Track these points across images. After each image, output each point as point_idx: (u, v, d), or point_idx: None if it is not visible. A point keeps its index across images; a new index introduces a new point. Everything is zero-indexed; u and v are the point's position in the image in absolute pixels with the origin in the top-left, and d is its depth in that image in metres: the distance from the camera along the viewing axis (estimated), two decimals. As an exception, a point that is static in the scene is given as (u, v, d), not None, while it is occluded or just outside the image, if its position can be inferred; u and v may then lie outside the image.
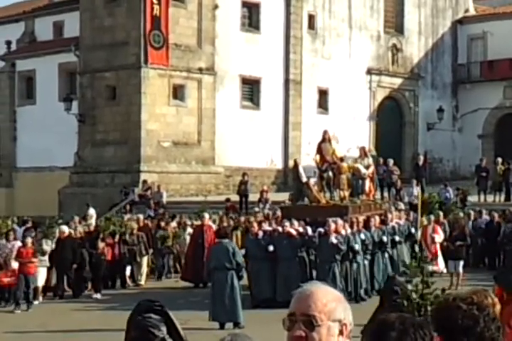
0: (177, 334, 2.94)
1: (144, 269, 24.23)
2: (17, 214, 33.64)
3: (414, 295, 10.60)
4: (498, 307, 3.19)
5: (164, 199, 32.68)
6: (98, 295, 21.59)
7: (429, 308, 10.20)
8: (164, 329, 2.85)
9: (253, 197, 32.02)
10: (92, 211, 30.22)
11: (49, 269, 22.07)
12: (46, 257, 21.75)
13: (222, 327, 16.50)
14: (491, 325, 2.97)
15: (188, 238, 25.12)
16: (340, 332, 2.88)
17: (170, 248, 25.31)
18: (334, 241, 18.91)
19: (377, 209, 23.58)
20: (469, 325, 2.96)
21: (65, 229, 22.72)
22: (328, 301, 2.91)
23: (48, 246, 21.88)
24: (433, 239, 23.54)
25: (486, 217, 26.36)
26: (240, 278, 17.08)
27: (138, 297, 21.14)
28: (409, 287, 10.82)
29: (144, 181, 34.36)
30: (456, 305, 3.03)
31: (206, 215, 24.25)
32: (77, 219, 26.12)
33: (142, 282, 23.97)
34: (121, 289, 23.36)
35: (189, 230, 25.44)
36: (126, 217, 27.69)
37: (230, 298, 16.53)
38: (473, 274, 22.65)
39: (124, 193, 33.77)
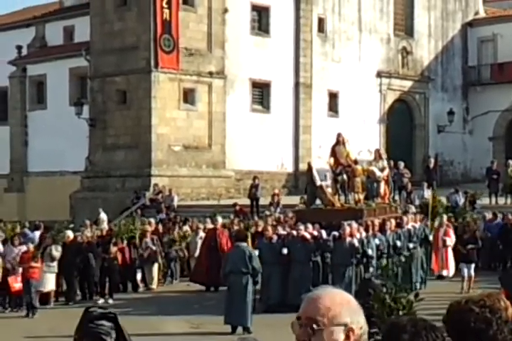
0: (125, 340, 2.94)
1: (155, 273, 24.22)
2: (28, 218, 33.75)
3: (387, 299, 10.49)
4: (510, 310, 3.19)
5: (175, 203, 32.72)
6: (110, 300, 21.56)
7: (400, 312, 10.08)
8: (114, 336, 2.85)
9: (264, 200, 32.03)
10: (103, 215, 30.27)
11: (58, 274, 22.05)
12: (55, 263, 21.66)
13: (234, 331, 16.46)
14: (503, 327, 2.97)
15: (199, 242, 25.12)
16: (347, 337, 2.86)
17: (177, 252, 25.31)
18: (356, 243, 18.93)
19: (392, 212, 23.42)
20: (482, 328, 2.97)
21: (70, 233, 22.69)
22: (333, 305, 2.89)
23: (58, 251, 21.77)
24: (444, 242, 23.51)
25: (499, 220, 26.24)
26: (255, 282, 17.02)
27: (151, 301, 21.23)
28: (384, 290, 10.72)
29: (155, 185, 34.41)
30: (469, 308, 3.03)
31: (219, 219, 24.24)
32: (88, 223, 26.21)
33: (154, 286, 23.93)
34: (133, 293, 23.35)
35: (201, 234, 25.41)
36: (138, 221, 27.68)
37: (241, 302, 16.47)
38: (486, 277, 22.58)
39: (135, 197, 33.82)
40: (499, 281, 9.79)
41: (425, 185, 31.84)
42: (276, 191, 32.70)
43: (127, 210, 33.04)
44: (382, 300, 10.35)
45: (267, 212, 28.65)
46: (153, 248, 24.05)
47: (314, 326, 2.87)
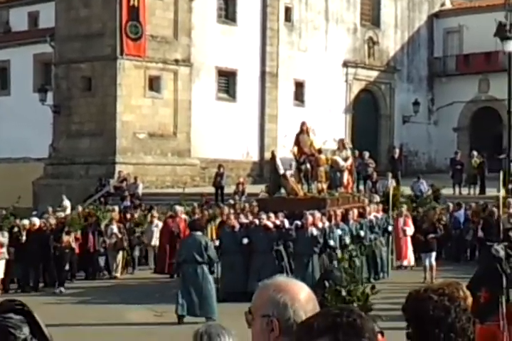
0: (41, 334, 2.85)
1: (120, 261, 24.09)
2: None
3: (343, 292, 10.45)
4: (469, 299, 3.20)
5: (140, 191, 32.60)
6: (62, 289, 21.13)
7: (355, 304, 10.07)
8: (27, 329, 2.75)
9: (229, 189, 32.02)
10: (66, 202, 30.09)
11: (9, 261, 21.56)
12: (4, 249, 21.21)
13: (181, 321, 16.08)
14: (462, 315, 2.99)
15: (155, 230, 25.01)
16: (271, 329, 2.86)
17: (139, 239, 25.23)
18: (315, 232, 18.79)
19: (355, 202, 23.41)
20: (440, 316, 2.98)
21: (36, 221, 22.29)
22: (262, 296, 2.92)
23: (5, 237, 21.34)
24: (404, 231, 23.65)
25: (461, 211, 26.38)
26: (211, 272, 16.71)
27: (114, 289, 21.14)
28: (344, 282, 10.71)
29: (120, 172, 34.28)
30: (428, 296, 3.04)
31: (178, 208, 24.10)
32: (50, 210, 25.99)
33: (118, 274, 23.83)
34: (95, 281, 23.09)
35: (156, 222, 25.26)
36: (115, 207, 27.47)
37: (200, 293, 16.13)
38: (450, 267, 22.77)
39: (100, 184, 33.66)
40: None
41: (390, 175, 32.01)
42: (242, 180, 32.71)
43: (91, 198, 32.88)
44: (337, 292, 10.31)
45: (231, 201, 28.66)
46: (119, 235, 23.95)
47: (250, 316, 2.93)
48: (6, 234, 21.68)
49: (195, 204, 27.83)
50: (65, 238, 22.11)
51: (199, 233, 17.10)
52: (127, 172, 34.42)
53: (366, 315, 2.62)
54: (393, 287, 19.84)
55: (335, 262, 19.43)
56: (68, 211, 28.05)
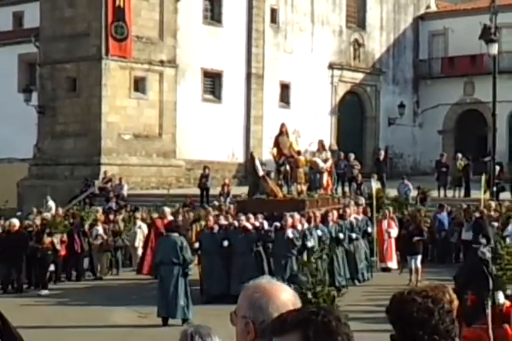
0: (10, 333, 2.83)
1: (104, 262, 24.03)
2: (-25, 206, 33.30)
3: (309, 295, 10.37)
4: (455, 303, 3.19)
5: (125, 192, 32.54)
6: (45, 291, 20.89)
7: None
8: None
9: (214, 190, 32.01)
10: (51, 203, 29.99)
11: None
12: None
13: (165, 323, 16.04)
14: (445, 317, 2.98)
15: (138, 232, 24.94)
16: (248, 330, 2.89)
17: (123, 241, 25.13)
18: (290, 235, 18.70)
19: (335, 204, 23.37)
20: (424, 318, 2.97)
21: (16, 222, 21.91)
22: (243, 298, 2.95)
23: None
24: (389, 234, 23.61)
25: (444, 213, 26.41)
26: (185, 274, 16.50)
27: (98, 291, 21.05)
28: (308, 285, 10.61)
29: (105, 173, 34.22)
30: (411, 298, 3.03)
31: (166, 209, 24.08)
32: (35, 211, 25.90)
33: (102, 275, 23.72)
34: (78, 283, 22.92)
35: (139, 223, 25.18)
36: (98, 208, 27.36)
37: (176, 294, 16.05)
38: (436, 269, 22.78)
39: (85, 185, 33.56)
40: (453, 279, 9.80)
41: (375, 177, 32.06)
42: (227, 181, 32.68)
43: (76, 198, 32.79)
44: (303, 295, 10.24)
45: (216, 202, 28.64)
46: (105, 237, 23.88)
47: (234, 316, 2.96)
48: None
49: (177, 205, 27.75)
50: (47, 239, 21.86)
51: (175, 234, 16.94)
52: (112, 173, 34.35)
53: (345, 320, 2.61)
54: (377, 289, 19.90)
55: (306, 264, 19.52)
56: (53, 212, 27.92)
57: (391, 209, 24.88)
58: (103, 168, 35.02)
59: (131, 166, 36.18)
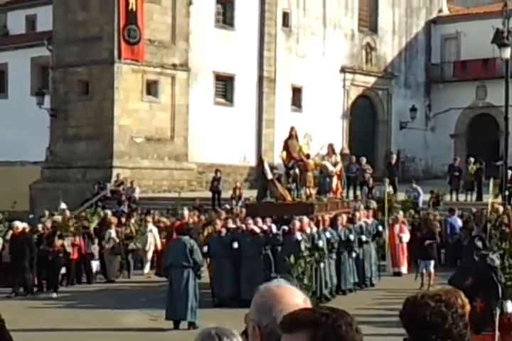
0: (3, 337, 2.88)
1: (116, 265, 24.00)
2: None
3: None
4: (467, 307, 3.20)
5: (137, 195, 32.58)
6: (54, 294, 20.77)
7: None
8: None
9: (226, 193, 32.01)
10: (63, 206, 30.03)
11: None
12: None
13: (177, 326, 16.03)
14: (459, 321, 2.98)
15: (149, 235, 24.94)
16: (256, 333, 2.91)
17: (135, 244, 25.09)
18: (299, 237, 18.57)
19: (344, 208, 23.19)
20: (437, 322, 2.97)
21: (19, 224, 21.84)
22: (254, 300, 2.97)
23: None
24: (400, 238, 23.47)
25: (455, 217, 26.28)
26: (198, 277, 16.52)
27: (110, 294, 21.07)
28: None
29: (117, 176, 34.27)
30: (425, 302, 3.04)
31: (186, 211, 24.00)
32: (47, 214, 25.92)
33: (113, 278, 23.68)
34: (90, 285, 22.86)
35: (150, 227, 25.14)
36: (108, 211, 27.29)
37: (182, 297, 16.03)
38: (447, 273, 22.63)
39: (99, 188, 33.61)
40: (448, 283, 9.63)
41: (387, 181, 32.02)
42: (238, 184, 32.69)
43: (88, 201, 32.84)
44: None
45: (228, 206, 28.62)
46: (117, 240, 23.82)
47: (247, 319, 2.98)
48: (0, 239, 21.48)
49: (185, 208, 27.73)
50: (58, 242, 21.75)
51: (185, 237, 16.89)
52: (124, 176, 34.41)
53: (357, 327, 2.60)
54: (387, 293, 19.86)
55: (322, 264, 19.33)
56: (66, 214, 27.91)
57: (401, 213, 24.79)
58: (115, 171, 35.08)
59: (143, 169, 36.23)
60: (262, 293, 2.96)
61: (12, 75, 41.40)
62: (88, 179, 35.57)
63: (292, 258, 17.18)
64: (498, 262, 9.74)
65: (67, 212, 26.75)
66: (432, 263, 21.21)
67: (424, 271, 21.08)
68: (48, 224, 23.24)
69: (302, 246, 18.58)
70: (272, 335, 2.83)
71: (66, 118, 37.43)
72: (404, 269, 23.65)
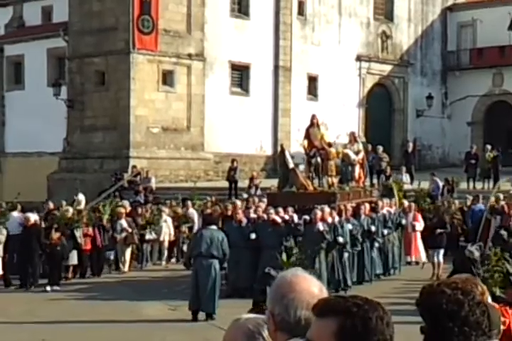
0: None
1: (128, 256, 23.69)
2: (5, 199, 33.52)
3: None
4: (486, 294, 3.20)
5: (153, 185, 32.65)
6: (51, 288, 20.26)
7: None
8: None
9: (242, 183, 32.02)
10: (81, 196, 30.09)
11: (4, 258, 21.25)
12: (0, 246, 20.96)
13: (195, 317, 15.92)
14: (475, 309, 2.98)
15: (164, 225, 24.91)
16: (272, 322, 2.92)
17: (152, 234, 24.99)
18: (321, 228, 18.32)
19: (367, 197, 22.83)
20: (454, 310, 2.97)
21: (31, 216, 21.54)
22: (271, 288, 2.98)
23: (2, 234, 20.97)
24: (414, 227, 23.22)
25: (479, 205, 25.92)
26: (222, 268, 16.45)
27: (126, 285, 21.08)
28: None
29: (133, 167, 34.33)
30: (441, 290, 3.04)
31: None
32: (64, 204, 25.96)
33: (126, 269, 23.42)
34: (103, 276, 22.74)
35: (164, 217, 25.10)
36: (125, 202, 27.27)
37: (208, 288, 15.93)
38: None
39: (116, 179, 33.68)
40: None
41: (403, 169, 31.93)
42: (255, 174, 32.70)
43: (105, 192, 32.91)
44: None
45: (245, 195, 28.62)
46: (129, 230, 23.59)
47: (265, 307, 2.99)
48: (4, 231, 21.30)
49: (209, 198, 27.76)
50: (55, 235, 21.25)
51: (214, 227, 16.84)
52: (141, 166, 34.48)
53: (388, 320, 2.59)
54: (405, 283, 19.82)
55: (346, 254, 19.29)
56: (82, 205, 27.94)
57: (405, 202, 24.52)
58: (132, 162, 35.16)
59: (159, 159, 36.31)
60: (277, 281, 2.98)
61: (28, 66, 41.50)
62: (105, 169, 35.68)
63: (284, 256, 16.91)
64: (477, 254, 9.44)
65: (83, 203, 26.68)
66: (442, 252, 20.94)
67: (435, 260, 20.88)
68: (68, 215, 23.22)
69: (328, 237, 18.42)
70: (284, 323, 2.85)
71: (83, 109, 37.52)
72: (415, 258, 23.41)
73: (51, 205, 25.36)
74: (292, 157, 25.92)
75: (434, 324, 3.03)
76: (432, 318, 3.05)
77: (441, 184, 30.09)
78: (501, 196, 25.15)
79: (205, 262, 16.18)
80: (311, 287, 2.93)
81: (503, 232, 16.87)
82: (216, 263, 16.23)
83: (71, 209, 23.48)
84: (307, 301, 2.85)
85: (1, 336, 14.66)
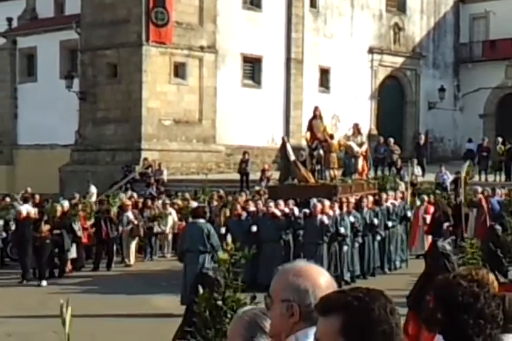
0: None
1: (133, 248, 23.52)
2: (18, 191, 33.67)
3: (218, 299, 8.79)
4: (495, 283, 3.21)
5: (165, 177, 32.69)
6: (44, 283, 20.04)
7: (229, 315, 8.44)
8: None
9: (254, 175, 32.02)
10: (93, 188, 30.20)
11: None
12: None
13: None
14: (491, 301, 2.99)
15: (169, 218, 24.87)
16: (291, 314, 2.89)
17: (160, 226, 24.80)
18: (326, 221, 18.04)
19: (370, 189, 22.37)
20: (469, 302, 2.98)
21: (23, 209, 21.46)
22: (282, 280, 2.94)
23: None
24: (424, 219, 23.01)
25: (497, 197, 25.61)
26: (214, 261, 15.69)
27: (134, 277, 21.01)
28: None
29: (145, 159, 34.38)
30: (457, 282, 3.05)
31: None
32: (77, 196, 26.06)
33: (131, 262, 23.21)
34: (109, 269, 22.60)
35: (169, 210, 25.01)
36: (123, 195, 27.28)
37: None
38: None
39: (127, 170, 33.76)
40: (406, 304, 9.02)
41: (415, 161, 31.87)
42: (266, 166, 32.69)
43: (117, 184, 33.02)
44: (212, 299, 8.73)
45: (257, 187, 28.64)
46: (135, 222, 23.39)
47: (269, 300, 2.96)
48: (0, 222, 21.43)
49: (221, 191, 27.69)
50: (45, 227, 20.82)
51: (201, 220, 16.42)
52: (152, 158, 34.53)
53: (392, 308, 2.54)
54: (411, 275, 19.70)
55: (345, 248, 18.97)
56: (94, 197, 28.06)
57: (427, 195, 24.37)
58: (143, 154, 35.20)
59: (171, 152, 36.33)
60: (295, 272, 2.94)
61: (41, 59, 41.58)
62: (117, 161, 35.73)
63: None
64: (449, 248, 9.32)
65: (94, 195, 26.72)
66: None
67: None
68: (79, 207, 23.29)
69: (331, 229, 18.22)
70: (311, 314, 2.85)
71: (95, 102, 37.57)
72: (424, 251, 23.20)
73: (77, 197, 25.47)
74: (303, 149, 25.81)
75: (449, 316, 3.04)
76: (447, 310, 3.05)
77: (450, 176, 30.00)
78: (479, 189, 24.79)
79: (192, 257, 15.86)
80: (328, 277, 2.96)
81: (498, 227, 16.72)
82: (204, 257, 15.83)
83: (66, 203, 23.39)
84: (330, 290, 2.84)
85: (13, 328, 14.71)
